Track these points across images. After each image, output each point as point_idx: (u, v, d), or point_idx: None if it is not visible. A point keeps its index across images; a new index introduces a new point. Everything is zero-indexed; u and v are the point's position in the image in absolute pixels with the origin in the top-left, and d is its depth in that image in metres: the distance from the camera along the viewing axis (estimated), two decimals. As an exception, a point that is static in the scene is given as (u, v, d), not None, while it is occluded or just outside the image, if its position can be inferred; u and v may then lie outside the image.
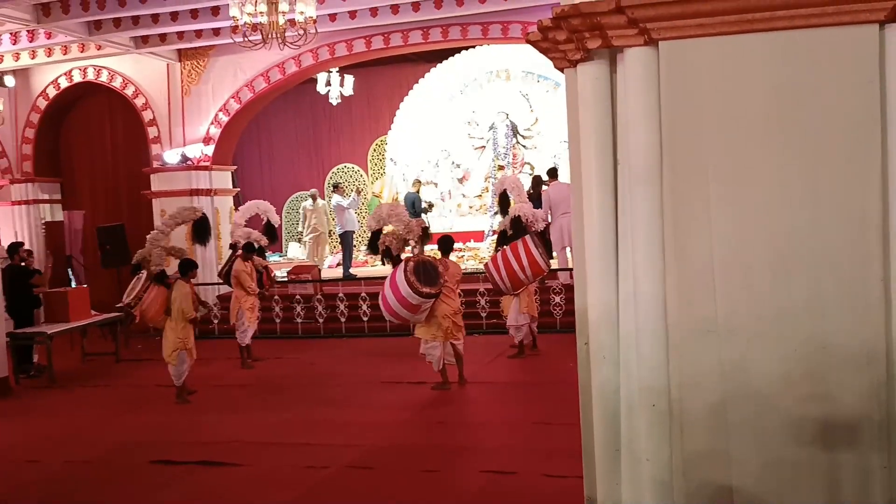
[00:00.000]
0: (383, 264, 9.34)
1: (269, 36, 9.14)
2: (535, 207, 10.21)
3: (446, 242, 8.88)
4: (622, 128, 2.84)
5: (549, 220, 12.03)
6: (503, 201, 10.28)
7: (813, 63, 2.53)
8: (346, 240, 14.20)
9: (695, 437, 2.69)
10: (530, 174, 16.07)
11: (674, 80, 2.68)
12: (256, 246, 10.76)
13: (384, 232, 8.89)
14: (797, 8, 2.49)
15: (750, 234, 2.62)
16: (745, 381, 2.63)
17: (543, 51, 3.05)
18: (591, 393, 3.00)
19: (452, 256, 9.02)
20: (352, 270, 14.12)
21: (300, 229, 16.88)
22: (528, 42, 3.06)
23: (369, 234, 9.06)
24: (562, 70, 3.08)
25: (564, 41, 2.88)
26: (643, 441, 2.76)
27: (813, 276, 2.57)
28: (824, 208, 2.56)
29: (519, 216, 9.44)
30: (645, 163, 2.74)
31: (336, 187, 14.57)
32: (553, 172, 12.35)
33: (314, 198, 16.08)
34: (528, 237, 9.18)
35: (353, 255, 14.78)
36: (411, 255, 8.57)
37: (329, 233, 16.42)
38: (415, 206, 13.87)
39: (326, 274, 14.65)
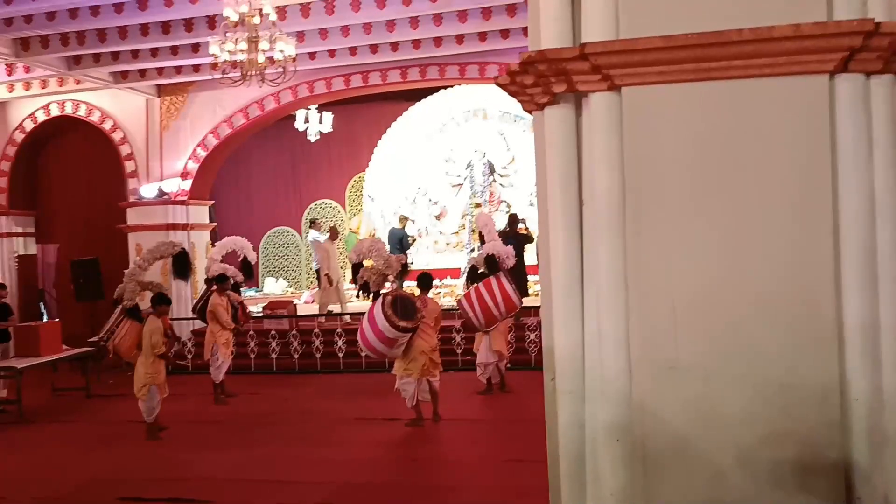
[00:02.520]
0: (358, 297, 9.38)
1: (249, 73, 9.24)
2: (508, 244, 10.33)
3: (426, 279, 8.94)
4: (587, 169, 2.92)
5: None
6: (482, 237, 10.44)
7: (767, 111, 2.64)
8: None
9: (657, 472, 2.74)
10: (507, 212, 16.27)
11: (635, 124, 2.77)
12: (232, 282, 10.74)
13: (364, 266, 8.94)
14: (751, 58, 2.60)
15: (709, 276, 2.70)
16: (705, 419, 2.69)
17: (512, 94, 3.14)
18: (556, 427, 3.04)
19: (430, 293, 9.07)
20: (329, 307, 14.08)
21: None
22: (498, 85, 3.15)
23: (350, 267, 9.14)
24: (530, 112, 3.18)
25: (532, 85, 2.98)
26: (608, 476, 2.81)
27: (769, 316, 2.65)
28: (780, 252, 2.65)
29: (493, 254, 9.56)
30: (608, 204, 2.83)
31: (313, 223, 14.59)
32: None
33: (334, 232, 14.35)
34: (501, 274, 9.31)
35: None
36: (389, 290, 8.63)
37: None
38: (402, 243, 13.79)
39: (302, 310, 14.60)
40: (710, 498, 2.69)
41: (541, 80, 2.92)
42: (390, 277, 8.72)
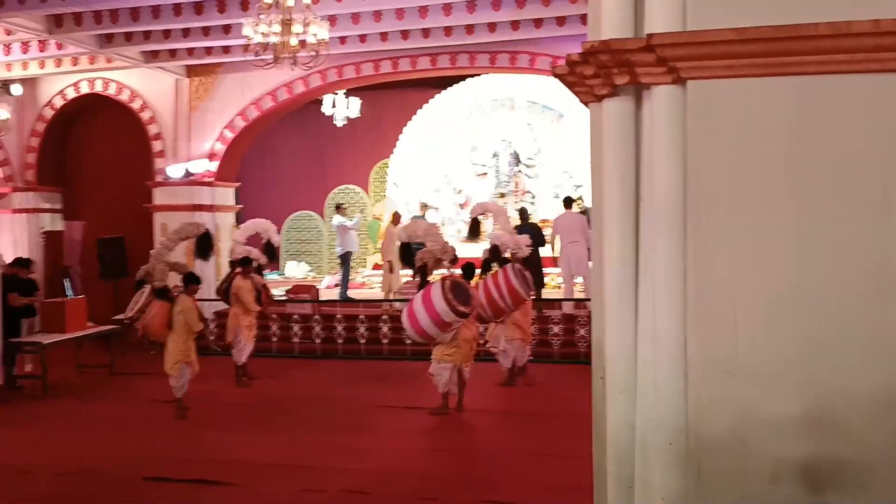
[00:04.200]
0: (413, 278, 9.36)
1: (281, 56, 9.18)
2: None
3: (470, 269, 8.89)
4: (646, 165, 2.85)
5: (556, 248, 12.24)
6: (474, 226, 10.35)
7: (842, 109, 2.55)
8: (346, 260, 14.17)
9: (711, 477, 2.67)
10: (531, 202, 16.20)
11: (700, 119, 2.69)
12: (255, 264, 10.74)
13: (418, 249, 8.94)
14: (828, 54, 2.51)
15: (772, 276, 2.63)
16: (763, 423, 2.62)
17: (569, 84, 3.07)
18: (605, 427, 2.98)
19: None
20: (349, 293, 14.06)
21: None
22: (555, 76, 3.08)
23: (399, 247, 9.18)
24: (587, 104, 3.10)
25: (591, 76, 2.90)
26: (658, 479, 2.74)
27: (834, 319, 2.57)
28: (846, 253, 2.56)
29: (496, 245, 9.56)
30: (668, 201, 2.75)
31: (338, 207, 14.58)
32: (568, 202, 12.50)
33: (396, 217, 13.98)
34: (509, 266, 9.30)
35: (351, 277, 14.75)
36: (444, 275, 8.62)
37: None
38: None
39: (324, 294, 14.60)
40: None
41: (601, 71, 2.84)
42: (445, 262, 8.71)
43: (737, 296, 2.64)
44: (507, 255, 9.76)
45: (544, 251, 12.44)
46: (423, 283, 8.47)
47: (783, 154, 2.60)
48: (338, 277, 15.40)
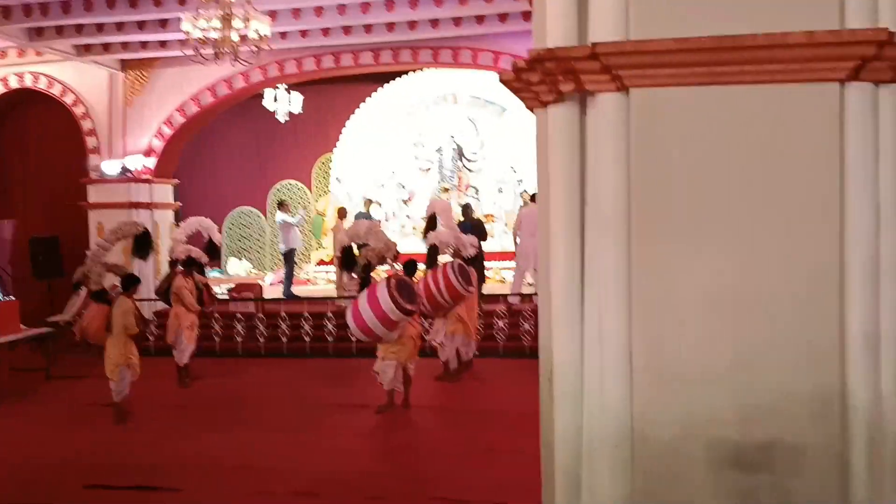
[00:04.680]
0: (359, 279, 9.28)
1: (222, 51, 9.03)
2: (466, 233, 10.43)
3: (412, 266, 8.89)
4: (591, 170, 2.89)
5: (516, 241, 12.43)
6: (430, 224, 10.37)
7: (778, 117, 2.63)
8: (289, 258, 14.02)
9: (655, 481, 2.73)
10: (475, 197, 16.28)
11: (644, 126, 2.74)
12: (198, 261, 10.56)
13: (363, 248, 8.88)
14: (764, 64, 2.58)
15: (712, 281, 2.70)
16: (707, 427, 2.69)
17: (515, 90, 3.09)
18: (552, 430, 3.02)
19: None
20: (293, 289, 13.91)
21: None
22: (502, 82, 3.09)
23: (340, 251, 9.09)
24: (532, 110, 3.13)
25: (537, 83, 2.93)
26: (605, 483, 2.79)
27: (773, 324, 2.65)
28: (785, 259, 2.65)
29: (434, 244, 9.62)
30: (613, 206, 2.80)
31: (281, 204, 14.41)
32: (534, 196, 12.62)
33: (341, 211, 14.15)
34: (449, 263, 9.37)
35: (295, 274, 14.60)
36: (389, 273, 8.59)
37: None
38: None
39: (268, 292, 14.43)
40: None
41: (547, 78, 2.87)
42: (389, 260, 8.69)
43: (679, 300, 2.70)
44: (449, 252, 9.85)
45: (488, 246, 12.54)
46: (367, 282, 8.43)
47: (723, 161, 2.67)
48: (281, 274, 15.24)
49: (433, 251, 9.74)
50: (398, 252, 8.97)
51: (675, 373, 2.70)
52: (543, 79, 2.88)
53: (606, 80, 2.76)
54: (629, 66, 2.69)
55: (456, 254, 9.88)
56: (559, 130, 2.94)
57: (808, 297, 2.63)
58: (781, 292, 2.64)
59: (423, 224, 16.54)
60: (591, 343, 2.86)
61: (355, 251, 9.00)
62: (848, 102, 2.62)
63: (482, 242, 11.95)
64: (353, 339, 9.89)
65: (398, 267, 8.76)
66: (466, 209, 13.02)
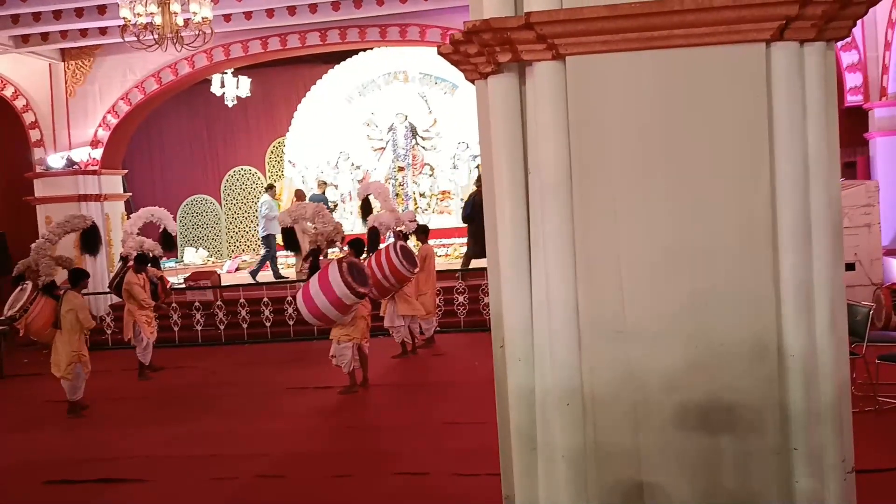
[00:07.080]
0: (304, 261, 9.25)
1: (164, 37, 8.87)
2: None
3: (359, 245, 8.88)
4: (532, 139, 2.94)
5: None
6: (365, 207, 10.31)
7: (708, 79, 2.70)
8: (270, 242, 13.87)
9: (607, 434, 2.82)
10: (430, 174, 16.28)
11: (580, 93, 2.80)
12: (150, 255, 10.42)
13: (314, 232, 8.84)
14: (693, 27, 2.65)
15: (652, 240, 2.77)
16: (651, 379, 2.79)
17: (455, 63, 3.12)
18: (506, 393, 3.09)
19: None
20: (259, 277, 13.70)
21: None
22: (440, 54, 3.12)
23: (282, 231, 9.05)
24: (472, 82, 3.16)
25: (475, 54, 2.96)
26: (558, 439, 2.87)
27: (710, 277, 2.75)
28: (719, 214, 2.73)
29: (375, 227, 9.59)
30: (555, 173, 2.85)
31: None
32: None
33: (299, 194, 14.43)
34: (391, 245, 9.32)
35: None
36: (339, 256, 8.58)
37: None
38: None
39: (226, 279, 14.30)
40: (656, 457, 2.79)
41: (485, 50, 2.90)
42: (337, 242, 8.67)
43: (621, 260, 2.78)
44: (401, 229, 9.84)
45: (447, 222, 12.51)
46: (315, 266, 8.37)
47: (657, 124, 2.74)
48: (238, 261, 15.14)
49: (374, 234, 9.66)
50: (344, 234, 8.97)
51: (619, 330, 2.79)
52: (481, 50, 2.91)
53: (542, 49, 2.80)
54: (563, 35, 2.73)
55: (397, 235, 9.81)
56: (499, 101, 2.98)
57: (744, 250, 2.72)
58: (719, 247, 2.73)
59: (377, 204, 16.62)
60: (540, 307, 2.93)
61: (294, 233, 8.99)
62: (774, 62, 2.70)
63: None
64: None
65: (346, 249, 8.74)
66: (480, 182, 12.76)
